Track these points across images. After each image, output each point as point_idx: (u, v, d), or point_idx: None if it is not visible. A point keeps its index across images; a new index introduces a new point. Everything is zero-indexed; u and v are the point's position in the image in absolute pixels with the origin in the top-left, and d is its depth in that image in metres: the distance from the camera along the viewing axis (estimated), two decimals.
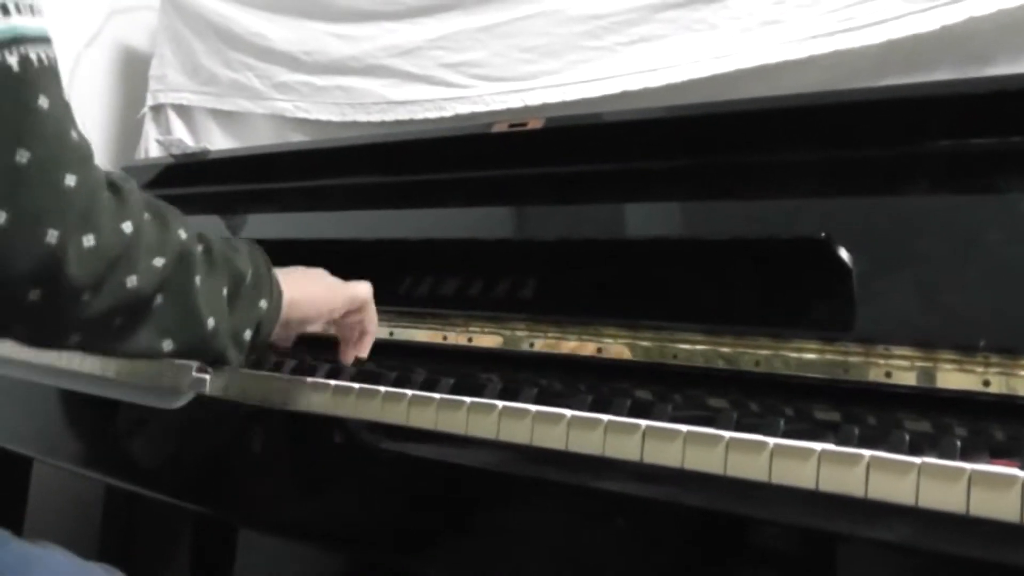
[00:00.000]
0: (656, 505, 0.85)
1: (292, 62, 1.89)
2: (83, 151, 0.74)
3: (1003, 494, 0.69)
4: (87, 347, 0.85)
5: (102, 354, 0.90)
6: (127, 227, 0.78)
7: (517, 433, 0.90)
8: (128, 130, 2.25)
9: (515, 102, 1.53)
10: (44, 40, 0.72)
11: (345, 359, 1.13)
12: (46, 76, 0.71)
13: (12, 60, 0.69)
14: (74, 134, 0.74)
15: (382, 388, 1.03)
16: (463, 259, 1.31)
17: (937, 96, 1.08)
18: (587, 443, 0.86)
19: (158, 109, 2.17)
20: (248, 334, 0.97)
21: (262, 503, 1.20)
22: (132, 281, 0.80)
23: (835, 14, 1.26)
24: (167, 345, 0.88)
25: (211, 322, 0.90)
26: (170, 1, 2.16)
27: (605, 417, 0.87)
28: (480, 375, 1.11)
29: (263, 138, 1.98)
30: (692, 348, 1.07)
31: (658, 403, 0.94)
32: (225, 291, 0.93)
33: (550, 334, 1.18)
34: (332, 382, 1.07)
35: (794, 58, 1.28)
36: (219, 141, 2.07)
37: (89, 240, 0.74)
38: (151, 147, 2.14)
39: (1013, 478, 0.70)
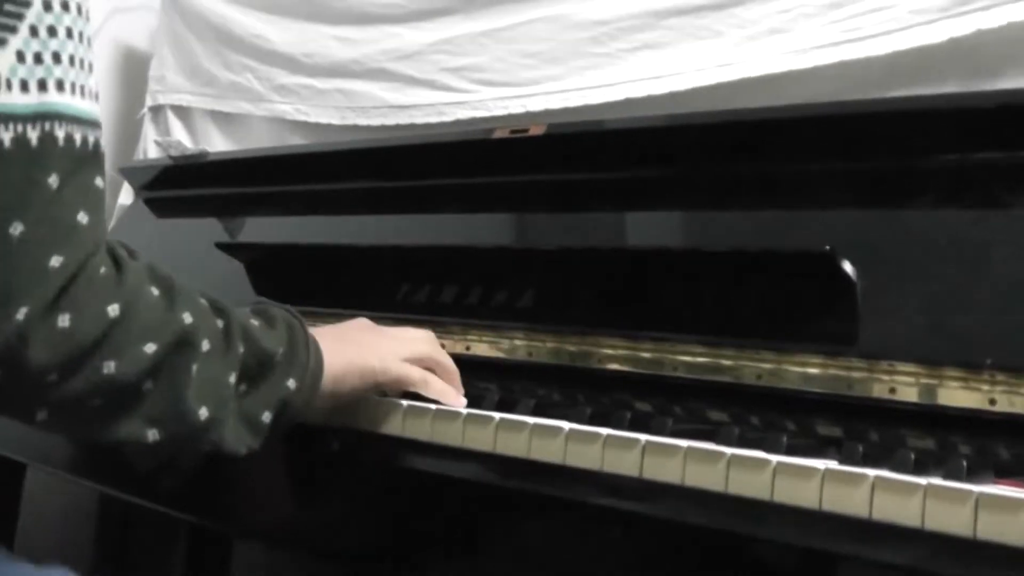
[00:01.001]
0: (655, 522, 0.83)
1: (292, 64, 1.88)
2: (84, 233, 0.73)
3: (1012, 517, 0.68)
4: (58, 427, 0.82)
5: (79, 437, 0.87)
6: (112, 310, 0.76)
7: (514, 446, 0.89)
8: (127, 131, 2.24)
9: (517, 108, 1.52)
10: (80, 121, 0.72)
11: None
12: (67, 156, 0.71)
13: (33, 135, 0.69)
14: (82, 218, 0.73)
15: (377, 398, 1.02)
16: (462, 266, 1.30)
17: (944, 109, 1.06)
18: (585, 457, 0.85)
19: (157, 110, 2.17)
20: (267, 416, 0.91)
21: (256, 513, 1.19)
22: (110, 367, 0.77)
23: (841, 24, 1.25)
24: (152, 435, 0.83)
25: (204, 412, 0.85)
26: (171, 2, 2.16)
27: (604, 431, 0.85)
28: (477, 384, 1.09)
29: (262, 140, 1.97)
30: (693, 360, 1.06)
31: (658, 416, 0.93)
32: (235, 377, 0.87)
33: (549, 344, 1.17)
34: None
35: (799, 68, 1.27)
36: (218, 143, 2.06)
37: (64, 320, 0.72)
38: (150, 148, 2.13)
39: (1022, 502, 0.68)
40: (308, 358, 0.93)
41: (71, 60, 0.72)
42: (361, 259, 1.39)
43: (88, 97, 0.73)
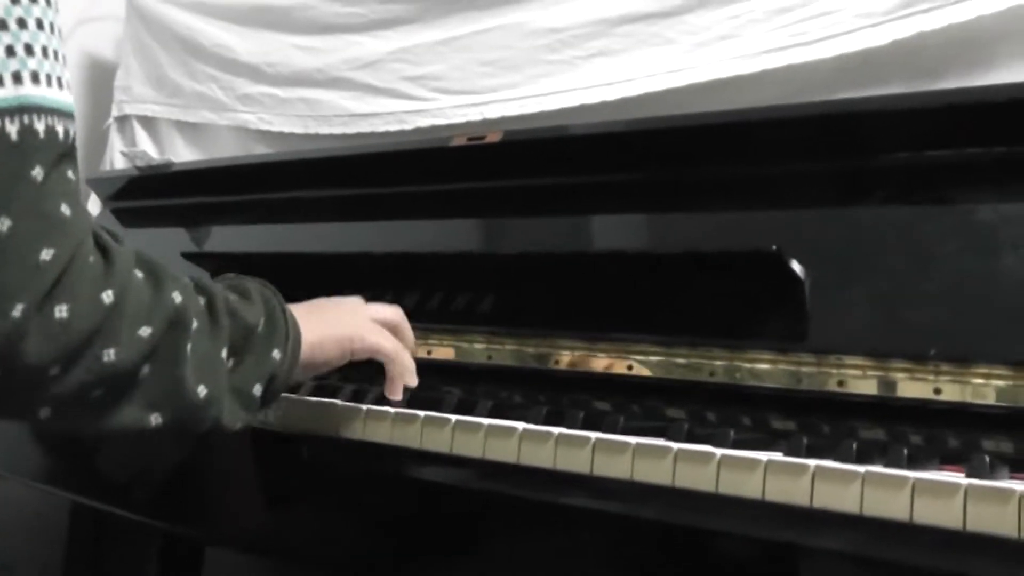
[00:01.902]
0: (608, 517, 0.85)
1: (256, 74, 1.89)
2: (70, 224, 0.71)
3: (946, 502, 0.70)
4: (61, 423, 0.80)
5: (82, 431, 0.83)
6: (107, 296, 0.74)
7: (470, 447, 0.91)
8: (93, 141, 2.24)
9: (475, 115, 1.54)
10: (59, 113, 0.71)
11: (391, 393, 1.05)
12: (49, 148, 0.70)
13: (12, 128, 0.68)
14: (65, 209, 0.71)
15: (339, 402, 1.04)
16: (423, 272, 1.31)
17: (889, 110, 1.08)
18: (538, 456, 0.87)
19: (123, 120, 2.17)
20: (258, 389, 0.91)
21: (228, 520, 1.21)
22: (110, 355, 0.76)
23: (788, 28, 1.27)
24: (155, 419, 0.82)
25: (202, 390, 0.84)
26: (135, 12, 2.16)
27: (556, 430, 0.88)
28: (440, 388, 1.11)
29: (227, 150, 1.97)
30: (647, 359, 1.08)
31: (612, 415, 0.95)
32: (225, 352, 0.87)
33: (508, 346, 1.18)
34: (293, 396, 1.08)
35: (748, 72, 1.29)
36: (183, 153, 2.06)
37: (61, 311, 0.71)
38: (116, 159, 2.14)
39: (956, 486, 0.71)
40: (287, 328, 0.94)
41: (44, 51, 0.71)
42: (324, 266, 1.40)
43: (64, 88, 0.73)
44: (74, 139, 0.73)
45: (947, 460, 0.83)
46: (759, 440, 0.90)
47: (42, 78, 0.71)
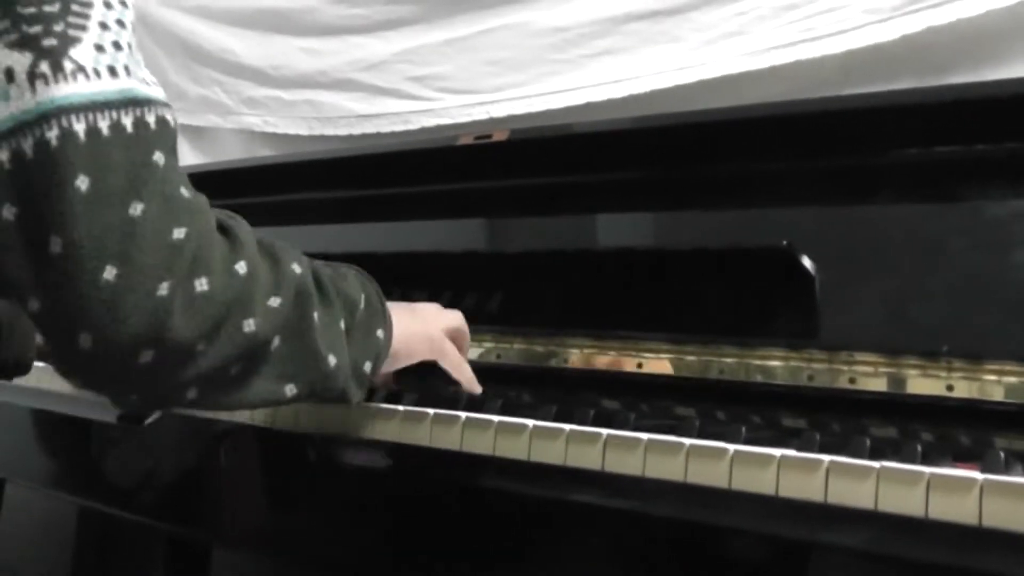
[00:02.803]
0: (619, 515, 0.84)
1: (260, 77, 1.89)
2: (193, 205, 0.73)
3: (962, 497, 0.70)
4: (204, 402, 0.81)
5: (221, 408, 0.85)
6: (241, 268, 0.76)
7: (480, 444, 0.90)
8: None
9: (481, 115, 1.54)
10: (160, 104, 0.73)
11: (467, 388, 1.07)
12: (161, 135, 0.71)
13: (127, 121, 0.70)
14: (185, 191, 0.72)
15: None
16: (430, 271, 1.31)
17: (899, 105, 1.08)
18: (549, 453, 0.87)
19: None
20: (368, 366, 0.92)
21: (235, 520, 1.20)
22: (250, 325, 0.77)
23: (796, 25, 1.27)
24: (290, 390, 0.84)
25: (332, 360, 0.86)
26: (139, 18, 2.13)
27: (567, 427, 0.87)
28: (447, 387, 1.11)
29: (232, 153, 1.98)
30: (658, 357, 1.07)
31: (622, 412, 0.94)
32: (342, 324, 0.88)
33: (517, 345, 1.18)
34: None
35: (756, 69, 1.29)
36: (188, 157, 2.06)
37: (202, 284, 0.72)
38: None
39: (971, 481, 0.70)
40: (384, 310, 0.95)
41: (129, 47, 0.73)
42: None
43: (153, 85, 0.74)
44: (171, 125, 0.74)
45: (960, 457, 0.82)
46: (770, 437, 0.89)
47: (136, 78, 0.72)
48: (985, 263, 0.96)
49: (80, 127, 0.67)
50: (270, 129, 1.88)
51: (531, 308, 1.22)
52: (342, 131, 1.74)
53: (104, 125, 0.69)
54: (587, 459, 0.85)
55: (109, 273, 0.68)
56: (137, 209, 0.68)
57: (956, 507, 0.70)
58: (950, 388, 0.93)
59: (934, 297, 0.98)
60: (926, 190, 1.05)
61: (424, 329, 1.03)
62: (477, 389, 1.06)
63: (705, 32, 1.34)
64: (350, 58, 1.74)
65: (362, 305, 0.92)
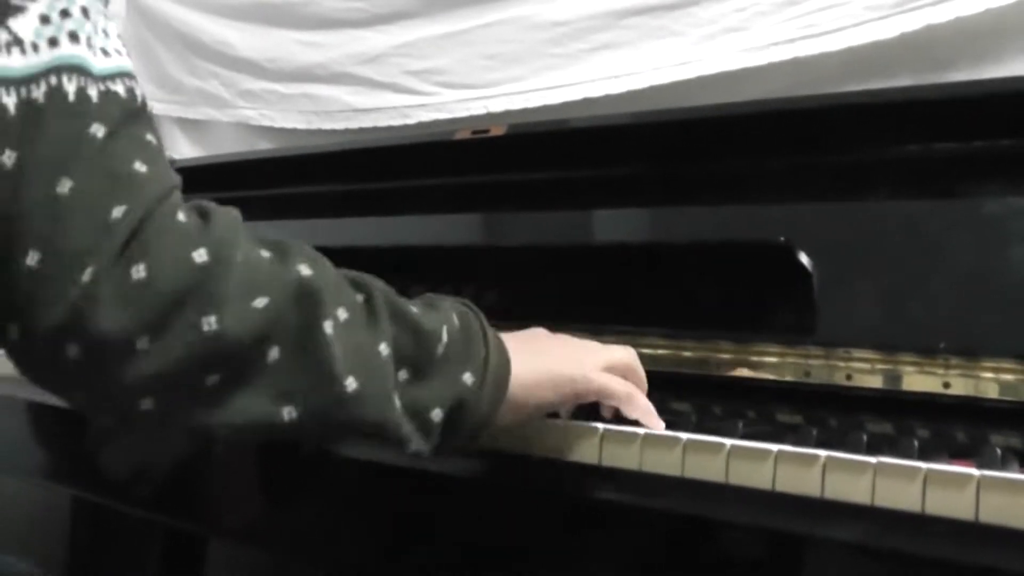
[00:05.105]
0: (616, 508, 0.85)
1: (257, 70, 1.89)
2: (144, 182, 0.65)
3: (959, 492, 0.70)
4: (171, 416, 0.70)
5: (201, 428, 0.71)
6: (199, 255, 0.66)
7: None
8: None
9: (478, 109, 1.54)
10: (113, 75, 0.66)
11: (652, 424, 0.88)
12: (110, 106, 0.65)
13: (70, 88, 0.64)
14: (139, 166, 0.65)
15: None
16: (426, 266, 1.31)
17: (897, 102, 1.08)
18: (546, 447, 0.86)
19: None
20: (438, 414, 0.78)
21: (232, 513, 1.20)
22: (211, 323, 0.66)
23: (796, 21, 1.27)
24: (288, 412, 0.71)
25: (351, 383, 0.72)
26: (136, 10, 2.16)
27: (563, 421, 0.87)
28: None
29: (229, 146, 1.98)
30: (654, 352, 1.07)
31: None
32: (386, 349, 0.75)
33: None
34: None
35: (755, 65, 1.29)
36: (185, 150, 2.07)
37: (139, 271, 0.64)
38: None
39: (968, 477, 0.70)
40: (487, 351, 0.81)
41: (84, 12, 0.66)
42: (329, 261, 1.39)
43: (115, 55, 0.67)
44: (144, 101, 0.68)
45: (956, 454, 0.83)
46: (767, 433, 0.89)
47: (94, 41, 0.66)
48: (983, 261, 0.96)
49: (10, 100, 0.62)
50: (267, 122, 1.88)
51: (529, 303, 1.22)
52: (339, 125, 1.74)
53: (40, 94, 0.63)
54: (584, 454, 0.85)
55: (31, 259, 0.62)
56: (65, 186, 0.62)
57: (953, 502, 0.69)
58: (947, 385, 0.93)
59: (932, 294, 0.98)
60: (925, 187, 1.04)
61: (553, 371, 0.86)
62: (657, 425, 0.88)
63: (704, 28, 1.34)
64: (348, 51, 1.74)
65: (444, 342, 0.79)
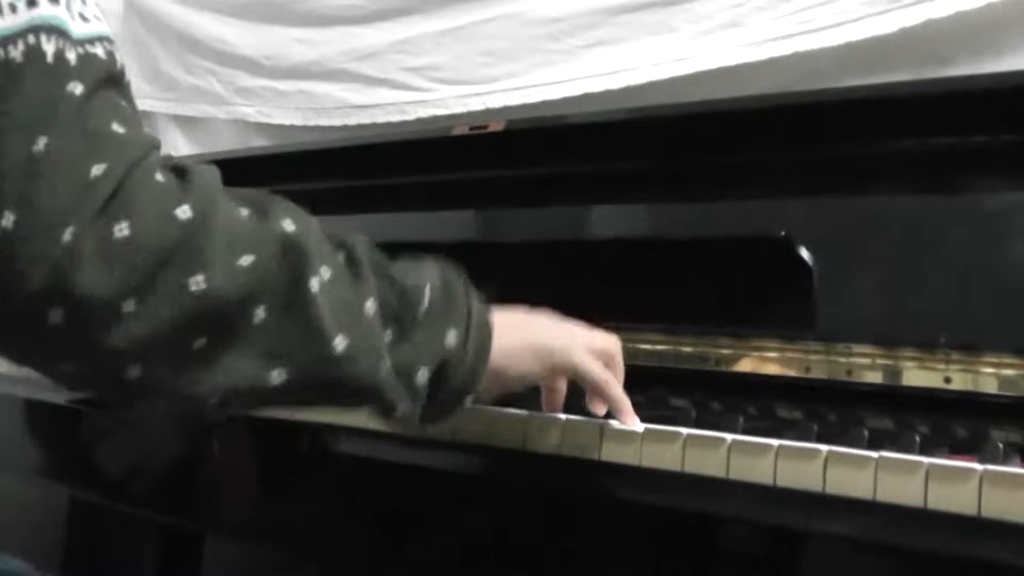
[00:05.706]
0: (616, 504, 0.84)
1: (253, 67, 1.89)
2: (123, 142, 0.63)
3: (961, 487, 0.69)
4: (160, 383, 0.67)
5: (187, 394, 0.69)
6: (183, 212, 0.63)
7: (477, 434, 0.90)
8: None
9: (476, 105, 1.54)
10: (91, 39, 0.65)
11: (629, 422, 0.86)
12: (88, 67, 0.64)
13: (48, 48, 0.62)
14: (118, 127, 0.63)
15: None
16: None
17: (896, 96, 1.08)
18: (544, 443, 0.86)
19: None
20: (423, 374, 0.77)
21: (228, 510, 1.20)
22: (199, 283, 0.64)
23: (794, 16, 1.27)
24: (277, 375, 0.69)
25: (340, 342, 0.71)
26: (132, 7, 2.16)
27: (563, 416, 0.87)
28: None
29: (226, 143, 1.98)
30: (653, 348, 1.07)
31: None
32: (371, 306, 0.74)
33: None
34: None
35: (754, 60, 1.29)
36: (182, 147, 2.06)
37: (122, 229, 0.61)
38: None
39: (971, 471, 0.70)
40: (469, 310, 0.80)
41: None
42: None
43: (94, 20, 0.66)
44: (122, 66, 0.67)
45: (957, 449, 0.82)
46: (767, 428, 0.89)
47: (72, 5, 0.65)
48: (983, 255, 0.96)
49: None
50: (264, 119, 1.88)
51: (527, 298, 1.21)
52: (336, 121, 1.74)
53: (17, 53, 0.62)
54: (583, 449, 0.84)
55: (7, 220, 0.59)
56: (40, 143, 0.60)
57: (956, 497, 0.69)
58: (947, 380, 0.93)
59: (932, 289, 0.98)
60: (925, 182, 1.04)
61: (533, 341, 0.86)
62: (633, 422, 0.86)
63: (702, 23, 1.33)
64: (345, 48, 1.73)
65: (425, 299, 0.78)
